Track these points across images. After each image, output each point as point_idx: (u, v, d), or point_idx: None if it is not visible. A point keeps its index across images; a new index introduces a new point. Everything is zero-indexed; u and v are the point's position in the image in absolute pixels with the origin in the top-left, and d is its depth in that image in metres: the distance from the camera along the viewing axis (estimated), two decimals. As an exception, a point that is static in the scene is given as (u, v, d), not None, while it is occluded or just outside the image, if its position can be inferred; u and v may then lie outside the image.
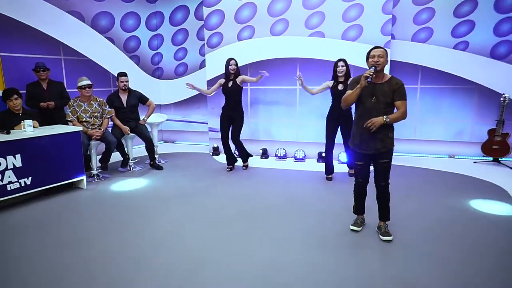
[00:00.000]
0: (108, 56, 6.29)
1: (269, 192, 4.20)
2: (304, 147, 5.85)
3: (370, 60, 2.73)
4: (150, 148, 5.28)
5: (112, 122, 5.02)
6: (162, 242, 2.88)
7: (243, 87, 5.08)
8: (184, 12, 6.89)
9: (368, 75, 2.64)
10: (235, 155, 5.35)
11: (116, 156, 5.53)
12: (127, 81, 5.11)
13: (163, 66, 7.30)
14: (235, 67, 4.90)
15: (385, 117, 2.66)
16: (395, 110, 2.76)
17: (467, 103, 5.65)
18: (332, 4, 5.38)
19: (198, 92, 7.00)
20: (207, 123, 6.67)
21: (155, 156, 5.44)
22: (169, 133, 7.54)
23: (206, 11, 6.02)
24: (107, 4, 6.16)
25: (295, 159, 5.78)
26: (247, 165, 5.32)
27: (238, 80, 4.93)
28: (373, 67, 2.68)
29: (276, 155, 5.93)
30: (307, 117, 5.80)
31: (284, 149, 5.91)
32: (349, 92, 2.83)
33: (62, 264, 2.53)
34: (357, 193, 3.11)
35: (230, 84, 4.95)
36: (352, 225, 3.10)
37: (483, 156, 5.47)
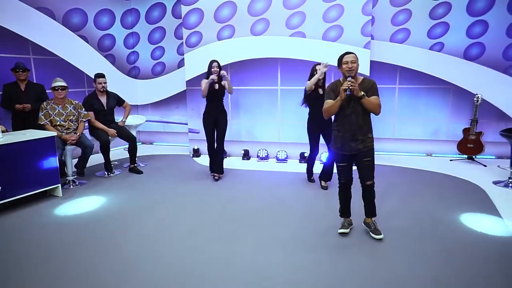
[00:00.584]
0: (82, 55, 6.02)
1: (253, 195, 4.15)
2: (286, 147, 5.83)
3: (343, 66, 2.79)
4: (134, 148, 5.11)
5: (88, 126, 4.81)
6: (144, 250, 2.77)
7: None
8: (161, 9, 6.70)
9: (347, 87, 2.68)
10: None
11: (93, 160, 5.31)
12: (105, 83, 4.90)
13: (140, 65, 7.08)
14: (217, 69, 4.78)
15: (363, 92, 2.74)
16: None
17: (443, 102, 5.82)
18: (312, 4, 5.37)
19: (177, 92, 6.86)
20: (186, 124, 6.53)
21: (136, 159, 5.26)
22: (146, 134, 7.34)
23: (184, 9, 5.87)
24: (79, 1, 5.88)
25: (277, 160, 5.76)
26: (220, 177, 4.87)
27: (222, 82, 4.83)
28: (349, 77, 2.73)
29: (258, 156, 5.88)
30: (288, 117, 5.79)
31: (266, 150, 5.88)
32: (329, 102, 2.88)
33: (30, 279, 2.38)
34: (342, 195, 3.12)
35: (216, 86, 4.84)
36: (340, 228, 3.10)
37: (459, 154, 5.65)
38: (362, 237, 3.01)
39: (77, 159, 4.67)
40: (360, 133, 2.85)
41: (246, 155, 5.93)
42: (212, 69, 4.71)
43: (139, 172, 5.13)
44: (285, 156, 5.73)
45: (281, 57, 5.63)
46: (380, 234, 2.95)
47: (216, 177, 4.77)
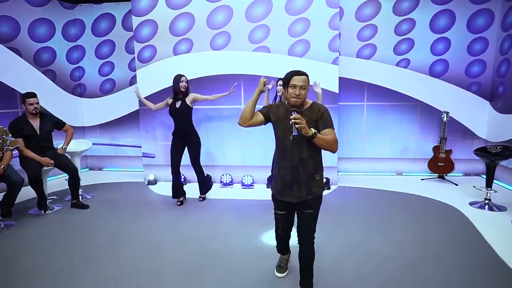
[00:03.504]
0: (13, 71, 5.18)
1: (214, 233, 3.59)
2: (252, 171, 5.35)
3: (290, 90, 2.17)
4: (75, 182, 4.33)
5: (18, 155, 4.00)
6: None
7: (193, 107, 4.44)
8: (110, 21, 6.04)
9: (294, 123, 2.03)
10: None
11: (26, 194, 4.48)
12: (37, 103, 4.13)
13: (86, 82, 6.31)
14: (186, 84, 4.28)
15: (314, 130, 2.10)
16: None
17: (411, 120, 5.68)
18: (277, 18, 5.02)
19: (128, 112, 6.18)
20: (140, 147, 5.85)
21: (79, 192, 4.50)
22: (95, 159, 6.52)
23: (135, 20, 5.27)
24: (8, 8, 5.08)
25: (242, 185, 5.25)
26: (205, 197, 4.69)
27: (188, 99, 4.30)
28: (294, 111, 2.10)
29: (221, 182, 5.34)
30: (253, 138, 5.33)
31: (230, 174, 5.35)
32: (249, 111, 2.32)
33: None
34: (279, 239, 2.64)
35: (178, 104, 4.29)
36: (276, 270, 2.71)
37: (430, 173, 5.50)
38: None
39: (1, 198, 3.85)
40: (304, 174, 2.22)
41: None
42: (181, 84, 4.23)
43: (84, 207, 4.38)
44: (252, 181, 5.24)
45: (244, 73, 5.20)
46: None
47: (179, 203, 4.43)
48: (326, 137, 2.12)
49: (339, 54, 5.14)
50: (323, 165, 2.33)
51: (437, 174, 5.40)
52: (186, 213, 4.19)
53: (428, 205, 4.34)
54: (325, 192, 4.76)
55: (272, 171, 4.43)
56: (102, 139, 6.42)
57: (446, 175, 5.34)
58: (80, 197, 4.57)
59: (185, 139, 4.36)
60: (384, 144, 5.78)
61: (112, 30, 6.05)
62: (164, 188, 5.16)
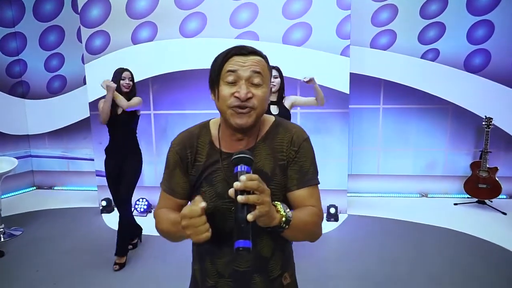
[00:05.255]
0: None
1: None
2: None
3: (224, 92, 0.99)
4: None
5: None
6: None
7: (139, 115, 3.17)
8: (56, 2, 4.74)
9: (245, 205, 0.82)
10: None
11: None
12: None
13: (29, 79, 5.02)
14: (130, 82, 3.01)
15: (285, 211, 0.91)
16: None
17: (439, 127, 4.46)
18: (267, -6, 3.78)
19: (83, 117, 4.90)
20: (92, 160, 4.59)
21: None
22: (44, 176, 5.24)
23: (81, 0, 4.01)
24: None
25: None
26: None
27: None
28: (241, 162, 0.87)
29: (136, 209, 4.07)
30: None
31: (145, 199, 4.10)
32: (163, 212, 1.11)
33: None
34: None
35: (119, 110, 3.03)
36: None
37: (468, 196, 4.25)
38: None
39: None
40: (263, 283, 1.06)
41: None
42: (122, 81, 2.98)
43: (-2, 253, 3.14)
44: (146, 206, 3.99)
45: (226, 68, 3.95)
46: None
47: (116, 267, 2.88)
48: (305, 218, 0.98)
49: (350, 43, 3.90)
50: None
51: (477, 199, 4.18)
52: (128, 269, 2.94)
53: (470, 246, 3.16)
54: (332, 226, 3.62)
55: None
56: (52, 150, 5.15)
57: (490, 200, 4.12)
58: (1, 235, 3.40)
59: (122, 159, 3.02)
60: (404, 157, 4.56)
61: (59, 13, 4.76)
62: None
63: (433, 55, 4.31)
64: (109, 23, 4.03)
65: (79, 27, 4.70)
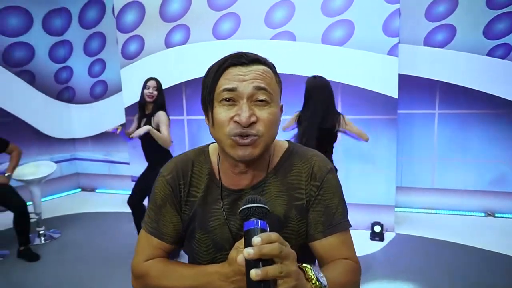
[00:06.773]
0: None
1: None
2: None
3: (221, 115, 0.78)
4: (21, 222, 3.16)
5: None
6: None
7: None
8: (99, 8, 4.84)
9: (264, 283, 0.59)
10: None
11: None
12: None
13: (74, 85, 5.20)
14: (154, 92, 2.90)
15: (318, 276, 0.66)
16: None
17: (508, 135, 3.82)
18: (305, -10, 3.47)
19: (121, 122, 4.94)
20: (128, 164, 4.60)
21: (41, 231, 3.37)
22: (87, 179, 5.41)
23: (118, 3, 4.01)
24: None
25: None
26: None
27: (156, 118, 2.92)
28: (251, 216, 0.63)
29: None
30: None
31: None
32: None
33: None
34: None
35: (143, 122, 2.94)
36: None
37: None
38: None
39: None
40: None
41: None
42: (146, 90, 2.89)
43: (33, 257, 3.18)
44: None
45: (260, 71, 3.70)
46: None
47: None
48: (342, 280, 0.77)
49: (399, 41, 3.45)
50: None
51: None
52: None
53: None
54: (377, 247, 3.21)
55: None
56: (95, 153, 5.29)
57: None
58: (42, 237, 3.49)
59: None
60: (464, 170, 3.97)
61: (101, 19, 4.86)
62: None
63: (503, 52, 3.69)
64: (143, 27, 3.99)
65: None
